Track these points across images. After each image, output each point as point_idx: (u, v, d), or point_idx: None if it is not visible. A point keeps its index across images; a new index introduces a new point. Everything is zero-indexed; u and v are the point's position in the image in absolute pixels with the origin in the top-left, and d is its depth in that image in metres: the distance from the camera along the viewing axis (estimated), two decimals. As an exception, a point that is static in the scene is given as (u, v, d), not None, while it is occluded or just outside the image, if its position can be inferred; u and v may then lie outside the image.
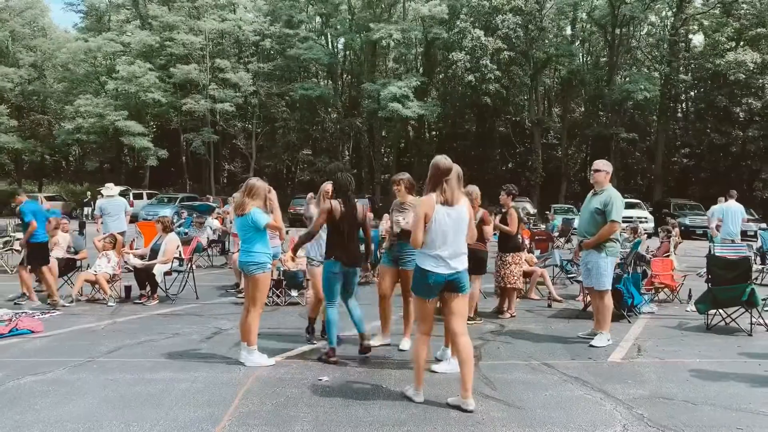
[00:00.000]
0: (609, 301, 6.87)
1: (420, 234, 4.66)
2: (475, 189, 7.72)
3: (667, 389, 5.20)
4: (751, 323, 7.42)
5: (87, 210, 29.61)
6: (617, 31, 37.28)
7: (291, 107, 42.32)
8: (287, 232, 12.12)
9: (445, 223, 4.66)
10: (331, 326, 5.91)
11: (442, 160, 4.79)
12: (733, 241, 12.82)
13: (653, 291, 9.57)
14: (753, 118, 35.52)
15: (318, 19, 42.27)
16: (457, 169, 4.99)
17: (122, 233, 11.23)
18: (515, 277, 8.31)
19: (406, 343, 6.36)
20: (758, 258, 13.23)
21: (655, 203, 32.38)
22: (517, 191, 8.76)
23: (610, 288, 6.85)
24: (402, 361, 5.92)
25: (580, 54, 43.30)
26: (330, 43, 42.40)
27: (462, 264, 4.78)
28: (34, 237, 8.72)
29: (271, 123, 41.91)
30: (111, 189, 12.27)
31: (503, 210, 8.57)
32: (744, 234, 21.46)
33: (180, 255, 9.60)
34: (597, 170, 6.94)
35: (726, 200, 13.85)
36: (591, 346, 6.66)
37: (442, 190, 4.69)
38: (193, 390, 5.03)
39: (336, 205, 5.87)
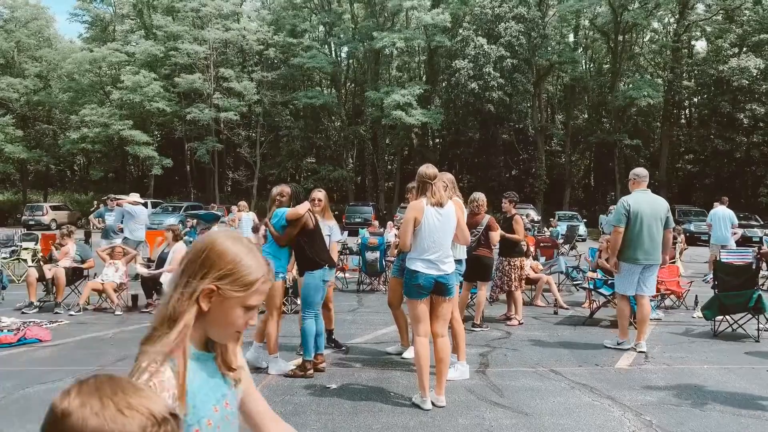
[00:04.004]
0: (621, 305, 6.92)
1: (408, 237, 4.84)
2: (480, 196, 7.76)
3: (675, 395, 5.20)
4: (758, 329, 7.41)
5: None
6: (620, 37, 37.36)
7: (295, 116, 42.49)
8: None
9: (435, 224, 4.82)
10: (309, 337, 5.66)
11: (426, 168, 5.00)
12: (723, 247, 12.89)
13: (659, 297, 9.55)
14: (757, 124, 35.53)
15: (321, 28, 42.50)
16: (448, 175, 5.07)
17: (141, 242, 11.76)
18: (517, 282, 8.36)
19: (408, 352, 6.36)
20: (765, 264, 13.21)
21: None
22: (518, 198, 8.85)
23: (621, 292, 6.88)
24: (410, 368, 5.92)
25: (583, 61, 43.40)
26: (333, 52, 42.59)
27: (451, 267, 4.92)
28: None
29: (275, 131, 42.07)
30: (139, 199, 12.56)
31: (507, 216, 8.60)
32: (749, 240, 21.47)
33: (186, 263, 9.62)
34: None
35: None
36: (603, 344, 6.97)
37: (432, 192, 4.86)
38: (201, 398, 5.03)
39: (308, 214, 5.79)
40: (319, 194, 6.67)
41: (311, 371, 5.66)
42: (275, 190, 6.15)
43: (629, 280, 6.72)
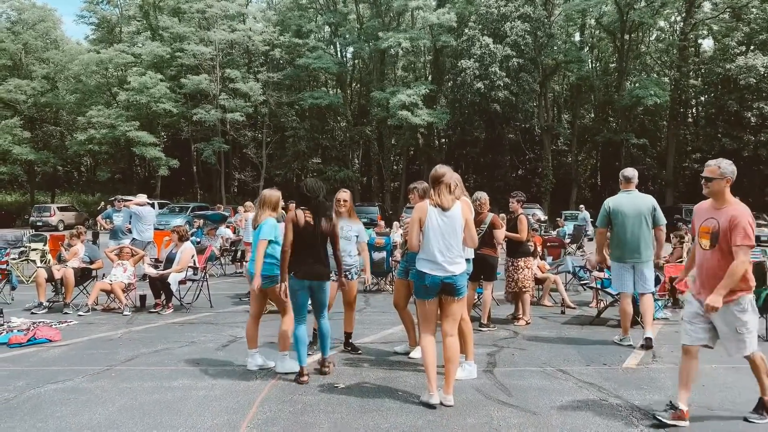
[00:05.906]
0: (622, 304, 7.07)
1: (414, 237, 4.90)
2: (482, 195, 7.78)
3: (684, 395, 5.18)
4: (767, 328, 7.38)
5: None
6: (626, 36, 37.29)
7: (301, 116, 42.59)
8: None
9: (438, 225, 4.86)
10: (298, 344, 5.51)
11: (434, 169, 5.07)
12: None
13: (667, 297, 9.53)
14: (764, 123, 35.37)
15: (327, 28, 42.58)
16: (453, 175, 5.12)
17: (149, 243, 11.86)
18: (527, 282, 8.31)
19: (416, 352, 6.35)
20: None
21: (666, 209, 32.22)
22: (525, 198, 8.83)
23: (619, 291, 7.09)
24: (418, 368, 5.93)
25: (589, 60, 43.33)
26: (339, 53, 42.67)
27: (459, 268, 4.93)
28: None
29: (281, 132, 42.18)
30: (146, 200, 12.67)
31: (513, 216, 8.58)
32: (758, 239, 21.40)
33: (194, 264, 9.68)
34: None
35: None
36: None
37: (434, 193, 4.94)
38: (210, 397, 5.07)
39: (300, 214, 5.41)
40: (345, 195, 6.54)
41: (304, 378, 5.47)
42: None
43: (621, 278, 6.94)
